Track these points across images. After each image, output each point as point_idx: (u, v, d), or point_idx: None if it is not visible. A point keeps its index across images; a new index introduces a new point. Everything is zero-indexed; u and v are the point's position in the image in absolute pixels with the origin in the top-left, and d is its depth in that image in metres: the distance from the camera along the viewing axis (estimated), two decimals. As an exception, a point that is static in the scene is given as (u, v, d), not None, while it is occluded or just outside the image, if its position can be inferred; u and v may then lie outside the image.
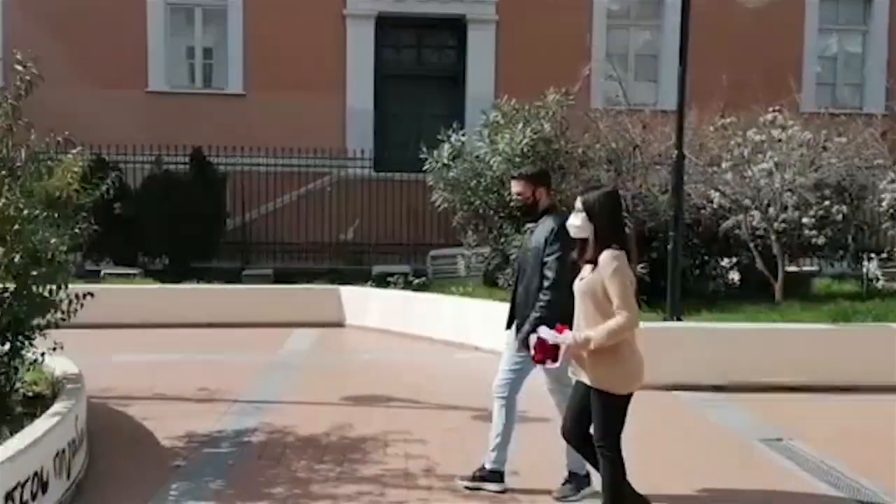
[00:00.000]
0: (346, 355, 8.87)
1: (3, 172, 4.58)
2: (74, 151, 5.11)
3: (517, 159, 8.64)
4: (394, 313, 9.86)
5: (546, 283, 4.03)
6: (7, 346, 4.62)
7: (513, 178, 4.46)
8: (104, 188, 5.31)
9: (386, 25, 14.41)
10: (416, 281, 10.38)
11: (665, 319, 7.30)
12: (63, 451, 3.97)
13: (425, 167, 9.89)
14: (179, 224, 11.19)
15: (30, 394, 4.83)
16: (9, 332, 4.59)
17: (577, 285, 3.57)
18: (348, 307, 10.41)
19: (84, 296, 4.97)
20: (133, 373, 7.14)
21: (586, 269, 3.54)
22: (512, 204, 4.53)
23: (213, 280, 10.86)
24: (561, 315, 3.72)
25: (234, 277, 11.30)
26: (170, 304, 9.99)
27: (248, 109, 13.51)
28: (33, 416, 4.17)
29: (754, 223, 8.44)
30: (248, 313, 9.96)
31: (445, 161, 9.58)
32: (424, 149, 9.75)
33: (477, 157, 9.33)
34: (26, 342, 4.72)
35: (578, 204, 3.59)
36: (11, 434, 3.80)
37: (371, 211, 12.90)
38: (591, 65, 10.38)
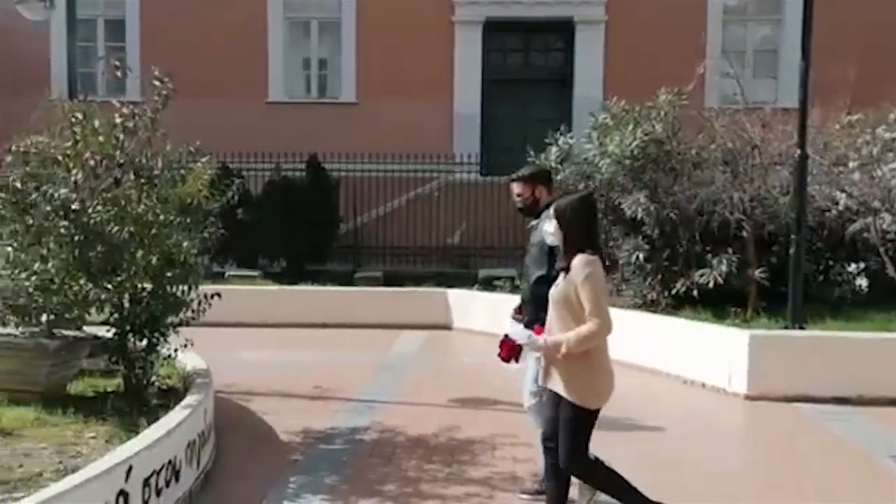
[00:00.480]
0: (452, 358, 8.98)
1: (143, 181, 4.97)
2: (203, 160, 5.45)
3: (627, 161, 8.48)
4: (500, 317, 9.81)
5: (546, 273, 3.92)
6: (145, 342, 4.99)
7: (511, 180, 4.43)
8: (230, 195, 5.64)
9: (493, 30, 14.49)
10: (523, 285, 10.36)
11: (786, 327, 6.98)
12: (194, 441, 4.25)
13: (533, 171, 9.85)
14: (296, 228, 11.69)
15: (163, 387, 5.17)
16: (146, 328, 4.96)
17: (552, 292, 3.49)
18: (455, 310, 10.53)
19: (212, 296, 5.29)
20: (253, 370, 7.51)
21: (561, 276, 3.47)
22: (516, 205, 4.38)
23: (327, 282, 11.26)
24: None
25: (346, 280, 11.67)
26: (287, 304, 10.45)
27: (360, 117, 13.92)
28: (167, 408, 4.48)
29: (884, 226, 7.92)
30: (359, 314, 10.27)
31: (553, 164, 9.52)
32: (531, 152, 9.72)
33: (585, 159, 9.22)
34: (161, 339, 5.08)
35: (551, 211, 3.58)
36: (148, 424, 4.11)
37: (477, 215, 12.98)
38: (705, 62, 10.02)
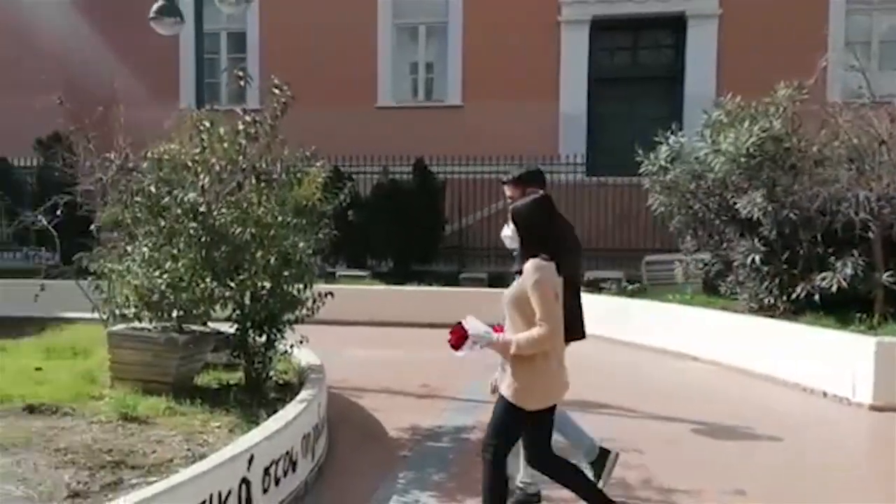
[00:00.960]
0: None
1: (262, 184, 5.22)
2: (318, 164, 5.68)
3: (742, 159, 8.15)
4: (607, 319, 9.69)
5: None
6: (263, 338, 5.24)
7: (502, 182, 4.40)
8: (342, 197, 5.84)
9: (600, 28, 14.27)
10: (630, 287, 10.15)
11: (918, 335, 6.52)
12: (309, 434, 4.42)
13: (641, 170, 9.65)
14: (403, 230, 11.94)
15: (280, 381, 5.41)
16: (265, 325, 5.20)
17: (504, 293, 3.44)
18: (561, 312, 10.42)
19: (325, 295, 5.49)
20: (363, 367, 7.73)
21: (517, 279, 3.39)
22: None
23: (433, 282, 11.43)
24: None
25: (451, 280, 11.80)
26: (394, 304, 10.69)
27: (466, 119, 14.04)
28: (284, 402, 4.68)
29: None
30: (464, 314, 10.32)
31: (663, 163, 9.28)
32: (640, 151, 9.51)
33: (697, 158, 8.93)
34: (278, 335, 5.31)
35: (511, 214, 3.53)
36: (267, 416, 4.31)
37: (583, 216, 12.80)
38: (827, 55, 9.48)
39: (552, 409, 3.48)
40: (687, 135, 9.56)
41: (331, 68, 13.70)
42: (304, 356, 5.77)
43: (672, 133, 9.45)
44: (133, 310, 4.99)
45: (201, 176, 5.08)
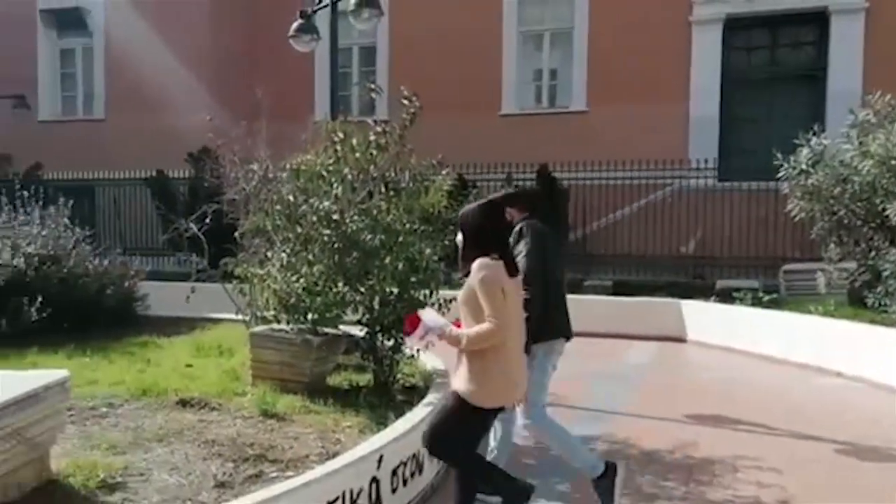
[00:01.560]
0: (687, 372, 8.60)
1: (391, 193, 5.39)
2: (444, 173, 5.78)
3: (893, 162, 7.58)
4: (740, 331, 9.29)
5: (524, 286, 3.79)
6: (391, 342, 5.39)
7: None
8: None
9: (734, 27, 13.69)
10: (767, 297, 9.64)
11: None
12: (435, 437, 4.51)
13: (779, 174, 9.15)
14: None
15: (407, 384, 5.54)
16: (393, 329, 5.36)
17: (459, 294, 3.49)
18: (689, 322, 10.07)
19: (450, 301, 5.57)
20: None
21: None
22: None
23: (555, 290, 11.31)
24: (538, 307, 3.88)
25: (574, 288, 11.64)
26: (516, 311, 10.65)
27: (590, 125, 13.86)
28: (410, 404, 4.80)
29: None
30: (588, 323, 10.06)
31: (804, 167, 8.76)
32: (778, 155, 9.03)
33: (841, 161, 8.38)
34: (405, 339, 5.45)
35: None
36: (395, 418, 4.44)
37: (714, 222, 12.32)
38: None
39: (498, 410, 3.51)
40: (830, 136, 8.99)
41: (456, 78, 13.92)
42: (429, 360, 5.88)
43: (814, 135, 8.92)
44: (272, 312, 5.28)
45: (335, 185, 5.32)
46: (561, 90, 15.06)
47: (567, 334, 4.37)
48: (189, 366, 5.95)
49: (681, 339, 9.96)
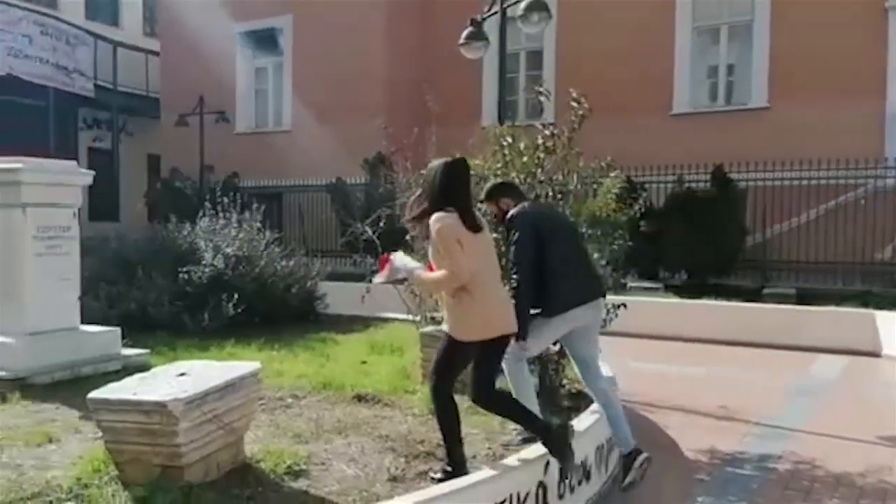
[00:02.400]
0: (881, 389, 7.80)
1: (558, 196, 5.37)
2: (612, 175, 5.68)
3: None
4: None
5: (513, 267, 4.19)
6: (557, 347, 5.36)
7: (479, 202, 4.55)
8: (636, 208, 5.77)
9: (943, 9, 12.28)
10: None
11: None
12: (602, 445, 4.44)
13: None
14: (699, 240, 11.39)
15: (573, 390, 5.49)
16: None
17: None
18: (885, 335, 9.15)
19: (618, 306, 5.46)
20: (654, 382, 7.51)
21: None
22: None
23: (731, 297, 10.73)
24: (529, 292, 4.08)
25: (753, 296, 10.97)
26: (688, 318, 10.23)
27: (771, 122, 12.97)
28: (576, 411, 4.75)
29: None
30: (767, 333, 9.57)
31: None
32: None
33: None
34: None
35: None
36: (562, 423, 4.41)
37: (916, 224, 11.11)
38: None
39: (495, 345, 3.71)
40: None
41: (625, 78, 13.56)
42: (596, 367, 5.79)
43: None
44: (441, 313, 5.42)
45: (502, 189, 5.38)
46: (738, 86, 14.23)
47: (583, 301, 4.29)
48: (364, 362, 6.27)
49: (874, 354, 9.07)
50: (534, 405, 4.21)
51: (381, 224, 6.96)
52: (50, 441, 4.01)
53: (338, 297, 9.22)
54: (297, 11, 16.34)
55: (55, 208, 5.85)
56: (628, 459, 4.24)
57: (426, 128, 7.24)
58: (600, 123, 6.17)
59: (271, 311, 8.32)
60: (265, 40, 17.24)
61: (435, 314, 5.51)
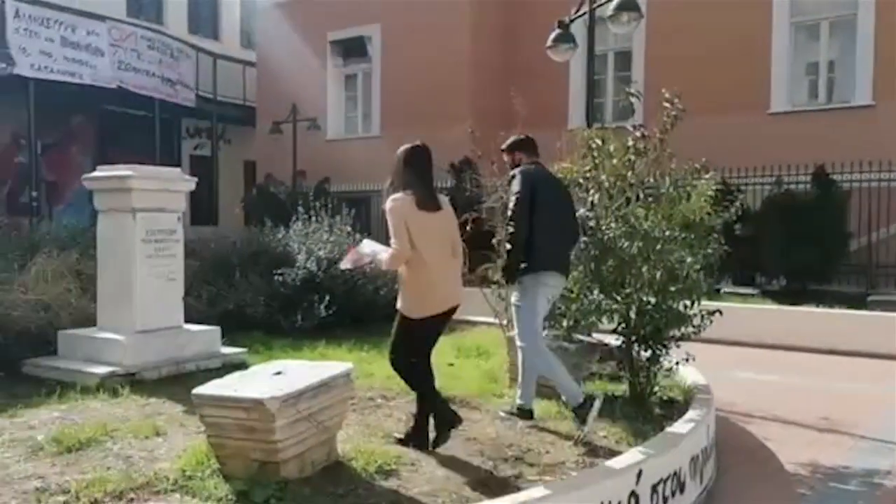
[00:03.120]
0: None
1: (650, 199, 5.26)
2: (706, 177, 5.50)
3: None
4: None
5: (508, 220, 4.63)
6: (648, 353, 5.25)
7: (501, 150, 5.12)
8: (732, 211, 5.57)
9: None
10: None
11: None
12: (697, 456, 4.31)
13: None
14: (797, 245, 10.91)
15: (665, 398, 5.35)
16: (650, 340, 5.21)
17: None
18: None
19: (712, 313, 5.30)
20: (751, 391, 7.24)
21: None
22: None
23: (833, 304, 10.22)
24: (521, 242, 4.52)
25: (856, 302, 10.41)
26: (787, 326, 9.80)
27: (877, 120, 12.27)
28: (669, 420, 4.64)
29: None
30: (873, 342, 9.05)
31: None
32: None
33: None
34: (663, 351, 5.28)
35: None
36: (654, 433, 4.31)
37: None
38: None
39: (436, 324, 4.08)
40: None
41: (718, 77, 13.13)
42: (689, 374, 5.64)
43: None
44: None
45: (591, 192, 5.32)
46: (840, 83, 13.54)
47: (556, 268, 4.69)
48: (451, 365, 6.31)
49: None
50: (569, 380, 4.61)
51: (468, 228, 6.98)
52: (157, 434, 4.22)
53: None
54: (385, 19, 16.64)
55: (162, 213, 6.17)
56: (581, 410, 4.45)
57: (512, 132, 7.23)
58: (694, 123, 6.00)
59: (360, 313, 8.48)
60: (354, 48, 17.64)
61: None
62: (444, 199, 4.26)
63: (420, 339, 4.11)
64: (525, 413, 4.74)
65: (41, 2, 15.36)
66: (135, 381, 5.52)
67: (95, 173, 6.31)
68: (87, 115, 17.93)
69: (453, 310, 4.12)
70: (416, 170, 4.10)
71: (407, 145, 4.21)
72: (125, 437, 4.14)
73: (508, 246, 4.61)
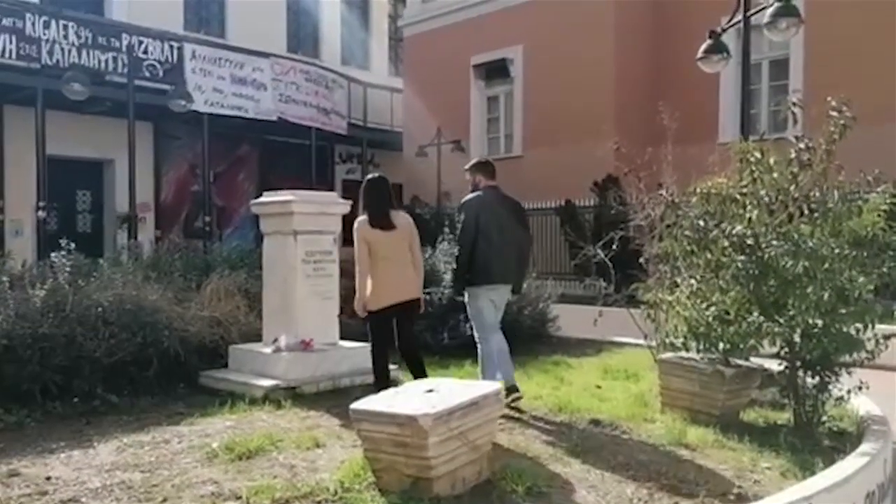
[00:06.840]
0: None
1: (815, 214, 4.93)
2: (880, 189, 5.08)
3: None
4: None
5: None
6: (815, 380, 4.90)
7: (464, 170, 5.93)
8: (912, 227, 5.10)
9: None
10: None
11: None
12: (873, 493, 3.97)
13: None
14: None
15: (834, 429, 4.97)
16: (817, 366, 4.86)
17: None
18: None
19: (888, 337, 4.86)
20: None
21: None
22: None
23: None
24: (464, 264, 5.54)
25: None
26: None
27: None
28: (840, 452, 4.30)
29: None
30: None
31: None
32: None
33: None
34: (833, 378, 4.91)
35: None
36: (824, 465, 4.01)
37: None
38: None
39: (387, 315, 5.24)
40: None
41: (888, 77, 12.08)
42: (862, 404, 5.20)
43: None
44: (681, 339, 5.20)
45: (748, 208, 5.05)
46: None
47: (496, 280, 5.57)
48: (598, 387, 6.20)
49: None
50: (495, 371, 5.50)
51: (614, 247, 6.86)
52: (317, 445, 4.44)
53: (569, 319, 9.21)
54: (527, 41, 16.74)
55: (320, 235, 6.54)
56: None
57: (660, 147, 7.03)
58: (862, 132, 5.57)
59: (505, 332, 8.49)
60: (496, 70, 17.87)
61: (675, 340, 5.29)
62: (401, 218, 5.32)
63: (378, 326, 5.28)
64: (511, 389, 5.28)
65: (214, 43, 16.77)
66: (295, 395, 5.84)
67: (262, 199, 6.79)
68: (252, 144, 19.31)
69: (409, 304, 5.26)
70: (370, 198, 5.26)
71: (368, 176, 5.41)
72: (289, 448, 4.39)
73: (454, 265, 5.74)
